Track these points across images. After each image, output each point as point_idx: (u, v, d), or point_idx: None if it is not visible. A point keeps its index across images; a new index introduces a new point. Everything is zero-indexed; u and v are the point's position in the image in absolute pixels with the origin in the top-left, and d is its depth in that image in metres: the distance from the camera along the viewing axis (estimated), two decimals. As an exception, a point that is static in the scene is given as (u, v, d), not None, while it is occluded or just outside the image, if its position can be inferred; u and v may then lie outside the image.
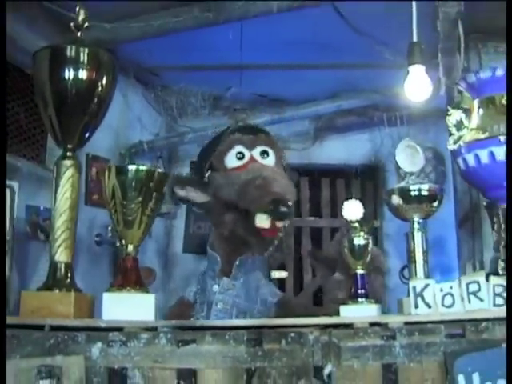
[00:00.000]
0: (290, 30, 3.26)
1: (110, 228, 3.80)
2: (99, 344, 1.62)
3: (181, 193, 2.21)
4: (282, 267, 4.71)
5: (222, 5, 2.91)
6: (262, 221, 2.14)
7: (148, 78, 4.27)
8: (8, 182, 3.01)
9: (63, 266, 1.90)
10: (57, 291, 1.85)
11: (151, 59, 3.94)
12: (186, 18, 2.95)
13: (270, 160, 2.25)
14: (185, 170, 4.52)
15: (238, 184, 2.14)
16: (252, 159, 2.22)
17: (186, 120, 4.61)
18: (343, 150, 4.86)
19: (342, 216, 1.97)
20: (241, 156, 2.22)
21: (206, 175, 2.24)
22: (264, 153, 2.23)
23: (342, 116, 4.63)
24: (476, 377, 1.56)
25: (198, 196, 2.21)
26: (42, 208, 3.25)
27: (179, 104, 4.42)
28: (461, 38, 2.80)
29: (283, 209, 2.10)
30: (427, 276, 1.89)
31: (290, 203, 2.12)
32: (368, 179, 5.12)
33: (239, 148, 2.22)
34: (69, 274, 1.90)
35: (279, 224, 2.16)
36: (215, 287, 2.12)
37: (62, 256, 1.91)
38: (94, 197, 3.71)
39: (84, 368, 1.60)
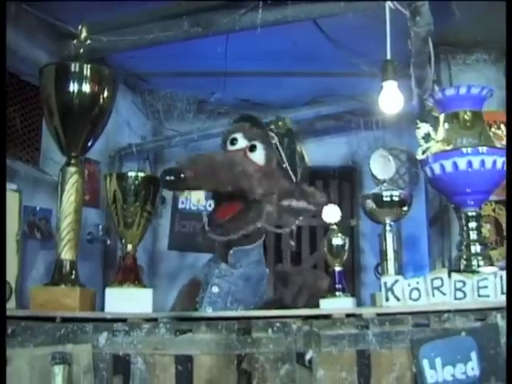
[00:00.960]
0: (272, 41, 3.45)
1: (100, 227, 3.98)
2: (105, 334, 1.81)
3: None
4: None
5: (210, 19, 3.09)
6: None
7: (136, 84, 4.44)
8: (9, 186, 3.18)
9: (68, 263, 2.08)
10: (63, 286, 2.03)
11: (140, 65, 4.11)
12: (177, 32, 3.13)
13: (257, 156, 2.29)
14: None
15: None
16: (244, 150, 2.28)
17: (172, 123, 4.78)
18: (321, 152, 5.05)
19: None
20: (235, 142, 2.32)
21: None
22: (253, 147, 2.29)
23: (321, 120, 4.83)
24: (438, 361, 1.77)
25: None
26: (38, 208, 3.41)
27: (166, 108, 4.59)
28: (431, 54, 3.02)
29: (169, 177, 2.13)
30: (398, 273, 2.11)
31: (183, 175, 2.10)
32: (345, 180, 5.33)
33: (235, 135, 2.31)
34: (73, 271, 2.08)
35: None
36: (215, 271, 2.23)
37: (67, 254, 2.08)
38: (85, 197, 3.86)
39: (92, 355, 1.79)
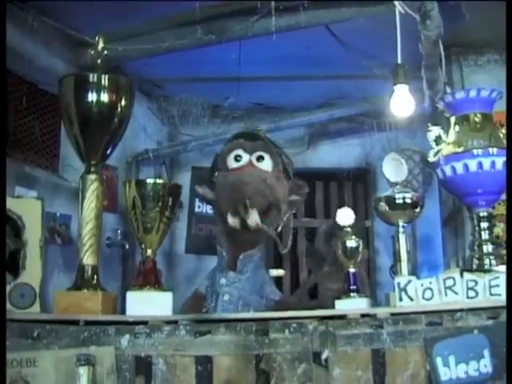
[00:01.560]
0: (285, 46, 3.50)
1: (119, 231, 4.06)
2: (127, 336, 1.87)
3: (198, 190, 2.47)
4: (279, 266, 4.97)
5: (223, 26, 3.15)
6: (233, 221, 2.37)
7: (151, 90, 4.51)
8: (30, 192, 3.26)
9: (90, 268, 2.14)
10: (85, 291, 2.09)
11: (155, 72, 4.17)
12: (191, 39, 3.19)
13: (266, 164, 2.48)
14: (187, 176, 4.75)
15: (223, 184, 2.38)
16: (250, 163, 2.46)
17: (187, 128, 4.84)
18: (335, 154, 5.11)
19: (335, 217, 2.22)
20: (239, 158, 2.46)
21: (215, 174, 2.49)
22: (260, 158, 2.47)
23: (334, 123, 4.88)
24: (452, 359, 1.81)
25: (209, 193, 2.47)
26: (58, 214, 3.48)
27: (181, 113, 4.66)
28: (442, 56, 3.06)
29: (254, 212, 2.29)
30: (411, 273, 2.15)
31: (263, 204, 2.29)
32: (359, 182, 5.36)
33: (238, 151, 2.47)
34: (95, 276, 2.14)
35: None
36: (222, 280, 2.35)
37: (89, 259, 2.14)
38: (104, 203, 3.94)
39: (114, 357, 1.85)
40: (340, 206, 2.17)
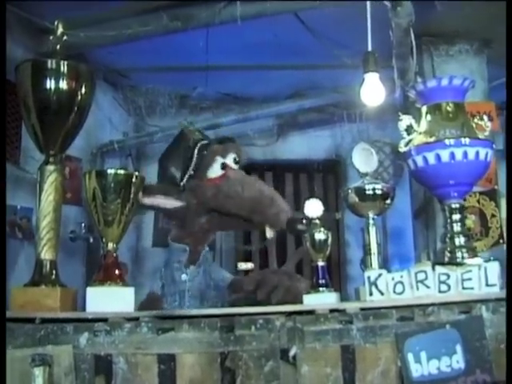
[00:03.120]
0: (253, 33, 3.43)
1: (83, 225, 3.94)
2: (86, 334, 1.78)
3: (147, 201, 2.36)
4: (248, 259, 4.92)
5: (189, 13, 3.06)
6: (270, 233, 2.33)
7: (117, 80, 4.39)
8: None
9: (48, 263, 2.04)
10: (43, 287, 1.99)
11: (120, 61, 4.06)
12: (156, 26, 3.09)
13: (239, 165, 2.43)
14: (154, 167, 4.64)
15: (237, 197, 2.29)
16: (227, 167, 2.38)
17: (154, 119, 4.74)
18: (305, 145, 5.06)
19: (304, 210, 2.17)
20: (223, 166, 2.38)
21: (183, 183, 2.40)
22: (235, 159, 2.41)
23: (304, 113, 4.82)
24: (423, 355, 1.76)
25: (170, 203, 2.38)
26: (19, 207, 3.36)
27: (147, 104, 4.55)
28: (413, 45, 3.01)
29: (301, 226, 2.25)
30: (381, 266, 2.10)
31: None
32: (330, 173, 5.33)
33: (221, 159, 2.39)
34: (54, 271, 2.04)
35: None
36: (183, 276, 2.29)
37: (47, 254, 2.05)
38: (67, 195, 3.83)
39: (73, 356, 1.76)
40: (310, 198, 2.11)
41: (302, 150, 5.06)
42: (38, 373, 1.68)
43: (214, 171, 2.37)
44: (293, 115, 4.83)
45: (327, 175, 5.34)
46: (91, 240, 3.98)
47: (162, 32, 3.20)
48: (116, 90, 4.49)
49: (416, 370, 1.76)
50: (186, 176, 2.38)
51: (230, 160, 2.39)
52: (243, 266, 3.51)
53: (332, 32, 3.48)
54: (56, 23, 2.21)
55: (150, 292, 2.38)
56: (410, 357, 1.76)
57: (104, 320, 1.81)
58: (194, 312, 1.88)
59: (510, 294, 1.73)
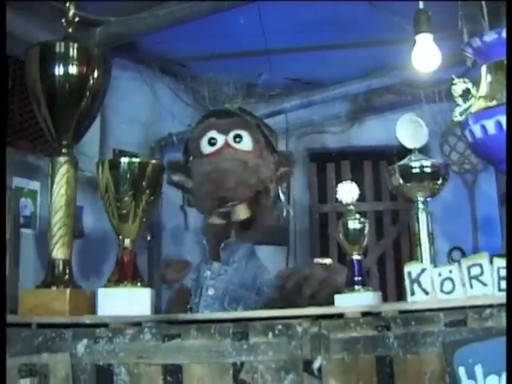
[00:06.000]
0: (308, 12, 3.13)
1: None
2: (85, 341, 1.60)
3: (174, 177, 2.17)
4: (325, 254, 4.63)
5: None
6: (214, 219, 2.06)
7: (175, 70, 4.23)
8: (31, 183, 3.07)
9: (61, 262, 1.89)
10: (54, 288, 1.84)
11: (175, 50, 3.90)
12: (199, 8, 2.88)
13: (245, 144, 2.14)
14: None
15: (198, 174, 2.07)
16: (227, 144, 2.13)
17: (219, 109, 4.56)
18: (384, 130, 4.67)
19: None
20: (214, 142, 2.13)
21: (190, 160, 2.19)
22: (237, 137, 2.13)
23: (379, 96, 4.45)
24: (479, 369, 1.43)
25: (186, 181, 2.17)
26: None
27: (211, 94, 4.36)
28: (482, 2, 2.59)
29: (228, 207, 2.01)
30: (433, 260, 1.76)
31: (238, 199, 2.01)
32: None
33: (212, 133, 2.14)
34: (67, 271, 1.89)
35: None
36: (207, 272, 2.06)
37: (59, 253, 1.90)
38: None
39: (70, 365, 1.58)
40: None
41: (380, 135, 4.67)
42: (25, 385, 1.51)
43: (204, 146, 2.13)
44: (367, 97, 4.47)
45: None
46: (148, 238, 3.85)
47: (205, 13, 2.98)
48: (176, 80, 4.33)
49: (470, 388, 1.42)
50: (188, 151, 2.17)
51: (230, 137, 2.12)
52: (320, 261, 3.25)
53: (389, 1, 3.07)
54: (68, 4, 2.06)
55: (180, 285, 2.17)
56: (462, 371, 1.43)
57: (104, 325, 1.62)
58: (201, 316, 1.65)
59: (510, 295, 1.42)
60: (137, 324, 1.61)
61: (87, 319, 1.65)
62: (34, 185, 2.98)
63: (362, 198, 5.24)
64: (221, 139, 2.12)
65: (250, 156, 2.07)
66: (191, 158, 2.19)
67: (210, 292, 1.99)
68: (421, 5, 2.27)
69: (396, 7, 3.04)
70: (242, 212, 2.04)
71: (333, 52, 3.93)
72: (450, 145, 4.60)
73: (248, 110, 2.27)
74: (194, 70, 4.29)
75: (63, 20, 2.07)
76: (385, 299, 2.71)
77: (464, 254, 4.23)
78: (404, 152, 1.88)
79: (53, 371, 1.58)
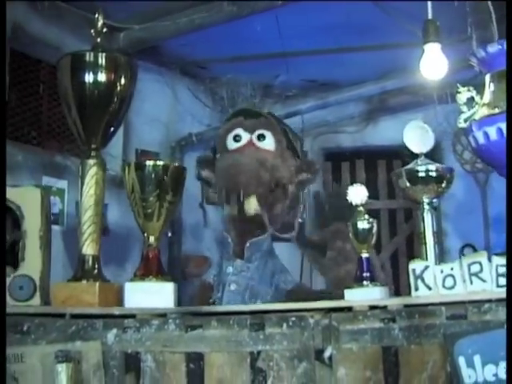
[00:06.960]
0: (322, 15, 3.24)
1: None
2: (114, 330, 1.73)
3: (202, 173, 2.30)
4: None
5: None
6: (233, 210, 2.19)
7: (195, 72, 4.36)
8: (59, 182, 3.22)
9: (90, 258, 2.02)
10: (84, 282, 1.98)
11: (195, 53, 4.03)
12: (218, 14, 3.01)
13: (267, 143, 2.27)
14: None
15: (220, 168, 2.20)
16: (251, 143, 2.25)
17: (237, 110, 4.68)
18: (398, 130, 4.75)
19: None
20: (239, 139, 2.26)
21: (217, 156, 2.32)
22: (261, 136, 2.26)
23: (394, 96, 4.53)
24: (477, 359, 1.54)
25: (212, 177, 2.30)
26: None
27: (229, 95, 4.49)
28: (490, 7, 2.67)
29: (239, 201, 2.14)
30: (438, 258, 1.87)
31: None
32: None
33: (238, 131, 2.27)
34: (96, 266, 2.03)
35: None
36: (229, 269, 2.18)
37: (88, 249, 2.03)
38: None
39: (101, 352, 1.72)
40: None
41: (394, 135, 4.70)
42: (61, 369, 1.65)
43: (230, 143, 2.26)
44: (382, 98, 4.56)
45: (423, 161, 5.01)
46: (169, 234, 3.98)
47: (224, 20, 3.11)
48: (196, 82, 4.46)
49: (469, 377, 1.54)
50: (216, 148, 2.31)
51: (255, 136, 2.25)
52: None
53: (404, 6, 3.17)
54: (96, 15, 2.19)
55: (203, 280, 2.31)
56: (462, 361, 1.54)
57: (132, 316, 1.75)
58: (221, 308, 1.78)
59: (510, 294, 1.51)
60: (162, 315, 1.74)
61: (116, 310, 1.78)
62: (62, 183, 3.13)
63: (375, 197, 5.37)
64: (245, 137, 2.25)
65: (269, 155, 2.20)
66: (217, 155, 2.32)
67: (233, 287, 2.11)
68: (429, 15, 2.37)
69: (408, 10, 3.15)
70: (252, 206, 2.16)
71: (348, 55, 4.05)
72: (462, 144, 4.67)
73: (276, 116, 2.40)
74: (213, 71, 4.43)
75: (92, 30, 2.21)
76: (398, 294, 2.82)
77: (476, 251, 4.31)
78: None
79: (85, 358, 1.71)
